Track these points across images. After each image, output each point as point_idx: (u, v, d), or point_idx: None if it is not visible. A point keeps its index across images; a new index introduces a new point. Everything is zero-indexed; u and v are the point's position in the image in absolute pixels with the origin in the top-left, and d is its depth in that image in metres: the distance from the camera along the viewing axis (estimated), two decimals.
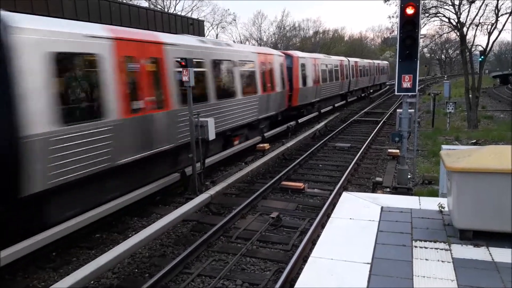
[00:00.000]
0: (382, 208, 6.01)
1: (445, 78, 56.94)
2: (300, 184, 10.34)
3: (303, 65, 20.81)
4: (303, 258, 6.60)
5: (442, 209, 5.87)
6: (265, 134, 16.24)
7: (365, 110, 27.31)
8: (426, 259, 4.54)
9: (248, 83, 14.33)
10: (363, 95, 38.13)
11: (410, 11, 8.96)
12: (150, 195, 9.11)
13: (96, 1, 15.25)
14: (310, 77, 21.64)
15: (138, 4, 26.27)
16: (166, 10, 42.92)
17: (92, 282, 6.03)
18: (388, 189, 10.00)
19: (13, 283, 6.26)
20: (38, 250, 6.40)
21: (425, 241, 5.00)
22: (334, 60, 28.11)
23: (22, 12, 7.81)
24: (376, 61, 47.78)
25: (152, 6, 41.88)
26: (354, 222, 5.55)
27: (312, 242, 7.15)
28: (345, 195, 6.65)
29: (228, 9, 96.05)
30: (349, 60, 32.09)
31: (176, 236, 7.85)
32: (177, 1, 61.43)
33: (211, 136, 10.06)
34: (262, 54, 15.97)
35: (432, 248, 4.81)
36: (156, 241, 7.45)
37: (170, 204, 9.59)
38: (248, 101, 13.95)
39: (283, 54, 19.03)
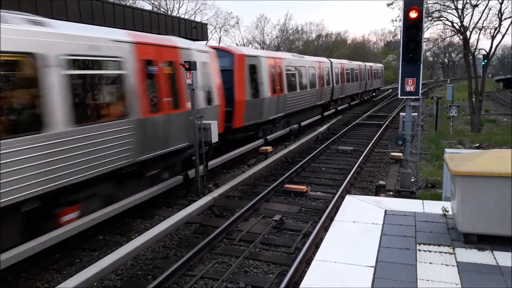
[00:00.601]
0: (385, 211, 6.00)
1: (448, 82, 56.87)
2: (303, 187, 10.33)
3: (252, 67, 14.63)
4: (306, 261, 6.59)
5: (446, 213, 5.86)
6: (268, 137, 16.24)
7: (368, 113, 27.28)
8: (430, 263, 4.53)
9: (101, 100, 7.78)
10: (351, 104, 32.08)
11: (413, 14, 8.98)
12: (153, 198, 9.12)
13: (100, 4, 15.37)
14: (266, 84, 15.43)
15: (141, 7, 26.44)
16: (169, 13, 43.13)
17: (95, 283, 6.04)
18: (391, 193, 9.99)
19: (16, 284, 6.28)
20: (41, 251, 6.40)
21: (429, 244, 4.99)
22: (309, 61, 21.93)
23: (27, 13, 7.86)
24: (368, 64, 41.55)
25: (155, 9, 42.11)
26: (357, 226, 5.55)
27: (315, 245, 7.14)
28: (348, 198, 6.65)
29: (231, 12, 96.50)
30: (331, 62, 26.25)
31: (179, 238, 7.85)
32: (181, 4, 61.70)
33: (214, 138, 10.09)
34: (148, 46, 8.96)
35: (436, 252, 4.80)
36: (159, 243, 7.46)
37: (173, 207, 9.60)
38: (96, 134, 7.32)
39: (210, 50, 11.98)
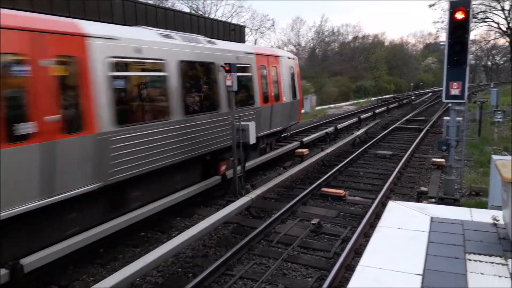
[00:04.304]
0: (431, 218, 5.81)
1: (492, 86, 54.47)
2: (340, 191, 10.19)
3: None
4: (346, 267, 6.50)
5: (497, 222, 5.60)
6: (304, 140, 16.16)
7: (407, 117, 26.51)
8: (482, 273, 4.33)
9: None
10: None
11: (460, 16, 8.70)
12: (191, 196, 9.27)
13: (143, 7, 15.80)
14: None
15: (181, 10, 26.91)
16: (206, 15, 43.78)
17: (138, 279, 6.20)
18: (433, 199, 9.67)
19: (64, 276, 6.53)
20: (87, 245, 6.66)
21: (479, 254, 4.78)
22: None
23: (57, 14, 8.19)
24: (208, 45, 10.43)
25: (193, 12, 42.85)
26: (402, 232, 5.39)
27: (355, 251, 7.04)
28: (391, 204, 6.48)
29: (267, 15, 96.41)
30: None
31: (217, 237, 7.94)
32: (218, 7, 62.48)
33: (252, 140, 10.16)
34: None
35: (487, 262, 4.59)
36: (199, 241, 7.57)
37: (211, 206, 9.72)
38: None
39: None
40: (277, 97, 13.30)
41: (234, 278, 6.27)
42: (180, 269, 6.66)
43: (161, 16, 17.05)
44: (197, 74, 9.83)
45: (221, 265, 6.44)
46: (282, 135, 15.81)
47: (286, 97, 13.91)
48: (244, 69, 11.38)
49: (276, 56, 13.50)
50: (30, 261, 5.69)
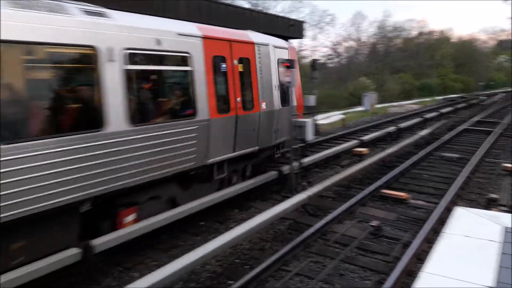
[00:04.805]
0: (505, 228, 5.44)
1: None
2: (402, 194, 9.81)
3: None
4: (407, 273, 6.27)
5: None
6: (364, 139, 15.79)
7: (476, 118, 24.79)
8: None
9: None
10: None
11: None
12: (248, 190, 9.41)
13: (206, 3, 16.22)
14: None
15: (241, 6, 27.29)
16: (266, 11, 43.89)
17: (198, 266, 6.42)
18: (504, 208, 9.03)
19: (128, 258, 6.92)
20: (151, 231, 7.00)
21: None
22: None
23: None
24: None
25: (253, 8, 43.19)
26: (470, 240, 5.12)
27: (416, 256, 6.76)
28: (459, 210, 6.16)
29: (327, 10, 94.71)
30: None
31: (274, 232, 8.01)
32: (277, 3, 62.46)
33: (309, 137, 10.09)
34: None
35: None
36: (256, 235, 7.67)
37: (268, 200, 9.81)
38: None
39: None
40: (249, 104, 9.09)
41: (290, 274, 6.30)
42: (237, 260, 6.82)
43: (223, 12, 17.51)
44: (50, 68, 5.51)
45: (278, 260, 6.49)
46: (275, 156, 10.69)
47: (267, 104, 9.59)
48: (175, 60, 7.36)
49: (250, 43, 9.16)
50: (100, 242, 6.10)
